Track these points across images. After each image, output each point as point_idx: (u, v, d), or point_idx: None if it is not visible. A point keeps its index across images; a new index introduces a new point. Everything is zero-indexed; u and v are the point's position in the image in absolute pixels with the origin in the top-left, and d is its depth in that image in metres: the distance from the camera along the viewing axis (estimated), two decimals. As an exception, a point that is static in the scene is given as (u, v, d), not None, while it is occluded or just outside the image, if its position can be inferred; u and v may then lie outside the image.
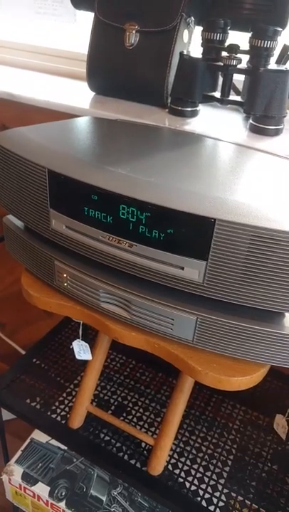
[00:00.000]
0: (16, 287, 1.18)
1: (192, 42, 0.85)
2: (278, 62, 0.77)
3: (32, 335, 1.31)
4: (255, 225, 0.43)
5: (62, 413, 0.81)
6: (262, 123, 0.75)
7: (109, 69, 0.85)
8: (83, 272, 0.57)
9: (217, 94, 0.79)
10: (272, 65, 0.73)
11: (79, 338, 0.72)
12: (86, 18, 0.87)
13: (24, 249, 0.63)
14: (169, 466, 0.73)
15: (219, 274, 0.47)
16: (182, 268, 0.49)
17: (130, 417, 0.82)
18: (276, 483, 0.73)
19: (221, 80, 0.78)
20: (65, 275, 0.59)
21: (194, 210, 0.45)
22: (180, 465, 0.74)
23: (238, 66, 0.74)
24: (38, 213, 0.57)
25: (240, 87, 0.83)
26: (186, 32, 0.81)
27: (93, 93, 0.90)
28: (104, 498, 0.84)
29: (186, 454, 0.76)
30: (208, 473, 0.73)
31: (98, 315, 0.59)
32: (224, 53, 0.74)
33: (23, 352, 1.35)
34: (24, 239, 0.62)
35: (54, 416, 0.80)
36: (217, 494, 0.70)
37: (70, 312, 0.62)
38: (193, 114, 0.81)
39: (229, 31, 0.75)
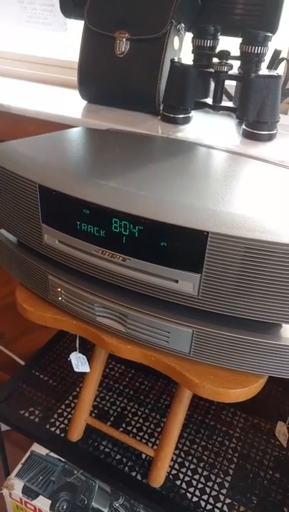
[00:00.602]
0: (12, 297, 1.18)
1: (183, 49, 0.85)
2: (269, 67, 0.76)
3: (30, 344, 1.30)
4: (248, 237, 0.43)
5: (62, 426, 0.80)
6: (255, 128, 0.75)
7: (101, 77, 0.84)
8: (77, 286, 0.56)
9: (209, 100, 0.79)
10: (263, 70, 0.73)
11: (76, 350, 0.71)
12: (79, 27, 0.86)
13: (17, 263, 0.62)
14: (170, 477, 0.73)
15: (214, 287, 0.46)
16: (176, 281, 0.48)
17: (130, 427, 0.81)
18: (278, 491, 0.72)
19: (212, 86, 0.78)
20: (59, 289, 0.58)
21: (187, 224, 0.44)
22: (181, 476, 0.73)
23: (230, 72, 0.73)
24: (30, 228, 0.56)
25: (232, 91, 0.83)
26: (176, 39, 0.81)
27: (85, 102, 0.90)
28: (106, 510, 0.83)
29: (187, 465, 0.75)
30: (210, 484, 0.72)
31: (94, 329, 0.59)
32: (215, 59, 0.74)
33: (22, 362, 1.34)
34: (17, 253, 0.61)
35: (53, 429, 0.80)
36: (219, 505, 0.69)
37: (65, 326, 0.62)
38: (186, 121, 0.81)
39: (220, 37, 0.75)
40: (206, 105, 0.79)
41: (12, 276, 0.65)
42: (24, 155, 0.57)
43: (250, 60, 0.71)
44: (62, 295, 0.58)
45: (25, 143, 0.61)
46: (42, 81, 1.06)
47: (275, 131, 0.76)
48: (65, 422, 0.81)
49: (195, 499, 0.70)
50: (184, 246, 0.46)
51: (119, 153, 0.62)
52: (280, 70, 0.76)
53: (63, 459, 0.90)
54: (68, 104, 0.89)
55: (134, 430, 0.81)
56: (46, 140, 0.64)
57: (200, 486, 0.72)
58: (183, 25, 0.80)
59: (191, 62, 0.76)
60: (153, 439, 0.79)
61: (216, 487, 0.72)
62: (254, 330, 0.49)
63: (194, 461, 0.76)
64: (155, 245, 0.47)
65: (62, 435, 0.79)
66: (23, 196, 0.54)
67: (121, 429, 0.81)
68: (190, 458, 0.77)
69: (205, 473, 0.74)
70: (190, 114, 0.81)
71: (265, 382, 0.55)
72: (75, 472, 0.89)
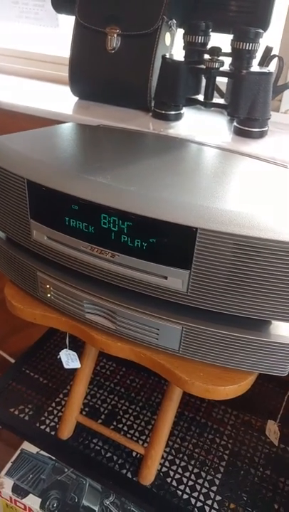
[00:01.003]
0: (1, 295, 1.17)
1: (175, 45, 0.84)
2: (261, 64, 0.76)
3: (20, 342, 1.29)
4: (237, 233, 0.42)
5: (52, 424, 0.80)
6: (246, 125, 0.75)
7: (92, 73, 0.84)
8: (66, 282, 0.56)
9: (201, 97, 0.78)
10: (254, 67, 0.72)
11: (66, 347, 0.71)
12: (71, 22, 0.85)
13: (6, 260, 0.62)
14: (161, 475, 0.73)
15: (203, 283, 0.46)
16: (165, 278, 0.48)
17: (121, 425, 0.81)
18: (269, 488, 0.72)
19: (204, 82, 0.77)
20: (48, 286, 0.58)
21: (176, 220, 0.44)
22: (171, 473, 0.73)
23: (221, 69, 0.73)
24: (19, 224, 0.55)
25: (224, 88, 0.82)
26: (168, 35, 0.81)
27: (76, 98, 0.89)
28: (96, 508, 0.82)
29: (177, 462, 0.75)
30: (200, 481, 0.72)
31: (83, 326, 0.58)
32: (206, 56, 0.74)
33: (12, 360, 1.33)
34: (6, 250, 0.61)
35: (43, 427, 0.79)
36: (209, 502, 0.69)
37: (54, 323, 0.61)
38: (177, 117, 0.81)
39: (211, 33, 0.75)
40: (197, 102, 0.78)
41: (1, 274, 0.65)
42: (13, 150, 0.56)
43: (241, 56, 0.71)
44: (51, 292, 0.58)
45: (14, 138, 0.61)
46: (33, 77, 1.05)
47: (266, 129, 0.75)
48: (56, 420, 0.81)
49: (185, 496, 0.70)
50: (172, 242, 0.45)
51: (109, 149, 0.62)
52: (272, 67, 0.76)
53: (53, 458, 0.89)
54: (59, 100, 0.89)
55: (125, 428, 0.81)
56: (36, 135, 0.64)
57: (190, 483, 0.72)
58: (174, 21, 0.80)
59: (183, 59, 0.76)
60: (144, 437, 0.79)
61: (206, 484, 0.72)
62: (243, 327, 0.49)
63: (185, 458, 0.76)
64: (144, 241, 0.47)
65: (53, 433, 0.78)
66: (11, 192, 0.54)
67: (112, 426, 0.80)
68: (181, 455, 0.76)
69: (195, 470, 0.74)
70: (181, 111, 0.81)
71: (256, 379, 0.55)
72: (66, 470, 0.88)
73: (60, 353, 0.70)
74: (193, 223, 0.43)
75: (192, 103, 0.79)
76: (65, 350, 0.71)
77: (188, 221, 0.44)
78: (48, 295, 0.58)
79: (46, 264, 0.57)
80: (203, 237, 0.43)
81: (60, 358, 0.70)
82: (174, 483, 0.72)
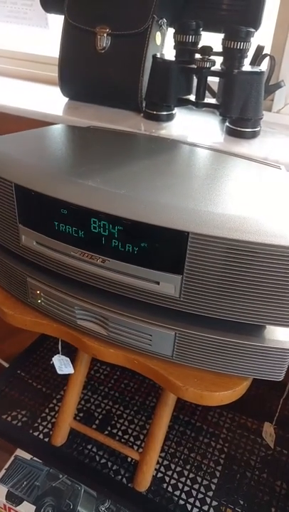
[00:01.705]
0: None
1: (166, 44, 0.83)
2: (252, 63, 0.75)
3: (14, 347, 1.28)
4: (229, 237, 0.41)
5: (45, 430, 0.79)
6: (238, 125, 0.74)
7: (82, 73, 0.83)
8: (57, 288, 0.54)
9: (192, 97, 0.77)
10: (246, 66, 0.72)
11: (59, 353, 0.70)
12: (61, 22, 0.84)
13: (-5, 265, 0.60)
14: (156, 481, 0.72)
15: (196, 288, 0.45)
16: (157, 283, 0.47)
17: (115, 430, 0.80)
18: (265, 491, 0.72)
19: (195, 82, 0.76)
20: (38, 292, 0.56)
21: (167, 224, 0.43)
22: (167, 479, 0.72)
23: (212, 68, 0.72)
24: (7, 229, 0.54)
25: (216, 88, 0.82)
26: (158, 34, 0.79)
27: (66, 99, 0.88)
28: (91, 515, 0.81)
29: (173, 467, 0.74)
30: (196, 486, 0.71)
31: (75, 332, 0.57)
32: (198, 55, 0.73)
33: (6, 364, 1.31)
34: (-5, 255, 0.59)
35: (36, 433, 0.78)
36: (206, 508, 0.68)
37: (46, 329, 0.60)
38: (169, 118, 0.80)
39: (202, 33, 0.74)
40: (189, 102, 0.77)
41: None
42: (0, 153, 0.55)
43: (232, 56, 0.70)
44: (42, 298, 0.57)
45: (2, 140, 0.59)
46: (22, 77, 1.04)
47: (258, 129, 0.75)
48: (49, 426, 0.80)
49: (181, 502, 0.69)
50: (164, 247, 0.45)
51: (99, 152, 0.60)
52: (263, 66, 0.75)
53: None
54: (49, 100, 0.87)
55: (120, 433, 0.80)
56: (24, 137, 0.62)
57: (186, 488, 0.71)
58: (165, 20, 0.79)
59: (174, 58, 0.75)
60: (138, 442, 0.78)
61: (202, 489, 0.71)
62: (237, 332, 0.48)
63: (180, 463, 0.75)
64: (135, 246, 0.46)
65: (46, 440, 0.77)
66: (-1, 196, 0.52)
67: (106, 432, 0.79)
68: (176, 460, 0.76)
69: (191, 475, 0.73)
70: (173, 111, 0.80)
71: (250, 383, 0.54)
72: (60, 476, 0.87)
73: (53, 359, 0.69)
74: (185, 227, 0.43)
75: (184, 103, 0.78)
76: (57, 355, 0.70)
77: (180, 225, 0.43)
78: (39, 301, 0.57)
79: (36, 269, 0.56)
80: (195, 241, 0.42)
81: (53, 364, 0.69)
82: (170, 488, 0.71)
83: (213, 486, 0.72)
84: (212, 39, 0.74)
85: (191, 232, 0.42)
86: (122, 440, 0.78)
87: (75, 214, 0.47)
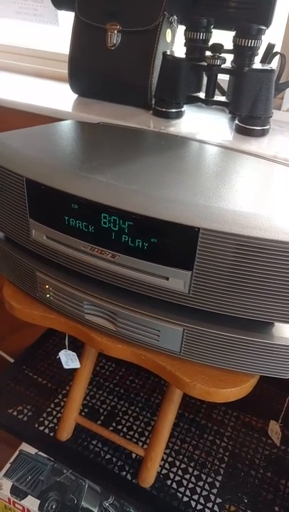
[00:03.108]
0: (0, 294, 1.16)
1: (176, 41, 0.83)
2: (263, 61, 0.75)
3: (19, 342, 1.28)
4: (240, 233, 0.41)
5: (51, 425, 0.79)
6: (248, 124, 0.74)
7: (92, 70, 0.83)
8: (66, 283, 0.55)
9: (202, 94, 0.77)
10: (256, 64, 0.71)
11: (66, 348, 0.70)
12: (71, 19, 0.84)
13: (4, 259, 0.61)
14: (161, 477, 0.72)
15: (205, 284, 0.45)
16: (167, 278, 0.47)
17: (120, 426, 0.80)
18: (269, 490, 0.72)
19: (205, 80, 0.76)
20: (47, 286, 0.57)
21: (178, 219, 0.43)
22: (171, 475, 0.72)
23: (223, 66, 0.72)
24: (18, 223, 0.54)
25: (225, 86, 0.81)
26: (168, 31, 0.79)
27: (76, 95, 0.88)
28: (95, 510, 0.82)
29: (177, 464, 0.74)
30: (201, 483, 0.72)
31: (83, 327, 0.57)
32: (208, 53, 0.73)
33: (11, 359, 1.32)
34: (4, 249, 0.60)
35: (42, 428, 0.78)
36: (210, 505, 0.68)
37: (54, 324, 0.60)
38: (178, 115, 0.79)
39: (213, 30, 0.74)
40: (198, 99, 0.77)
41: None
42: (11, 148, 0.55)
43: (243, 53, 0.70)
44: (51, 292, 0.57)
45: (13, 136, 0.60)
46: (32, 74, 1.04)
47: (268, 127, 0.75)
48: (54, 421, 0.80)
49: (186, 499, 0.69)
50: (174, 242, 0.45)
51: (109, 147, 0.61)
52: (274, 64, 0.75)
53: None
54: (58, 97, 0.87)
55: (125, 429, 0.80)
56: (35, 133, 0.63)
57: (190, 485, 0.71)
58: (175, 17, 0.79)
59: (184, 56, 0.75)
60: (143, 438, 0.78)
61: (206, 486, 0.71)
62: (246, 328, 0.48)
63: (185, 460, 0.75)
64: (145, 241, 0.46)
65: (52, 434, 0.77)
66: (9, 190, 0.53)
67: (111, 428, 0.80)
68: (181, 457, 0.76)
69: (196, 472, 0.73)
70: (182, 109, 0.80)
71: (257, 380, 0.54)
72: (65, 471, 0.87)
73: (60, 354, 0.70)
74: (196, 223, 0.43)
75: (193, 101, 0.78)
76: (64, 350, 0.70)
77: (191, 221, 0.43)
78: (47, 295, 0.57)
79: (45, 264, 0.56)
80: (205, 237, 0.42)
81: (59, 358, 0.69)
82: (174, 485, 0.71)
83: (217, 484, 0.72)
84: (222, 37, 0.74)
85: (202, 228, 0.42)
86: (127, 436, 0.78)
87: (86, 209, 0.48)
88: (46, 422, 0.80)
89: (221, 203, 0.45)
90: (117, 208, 0.46)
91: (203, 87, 0.77)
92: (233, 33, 0.70)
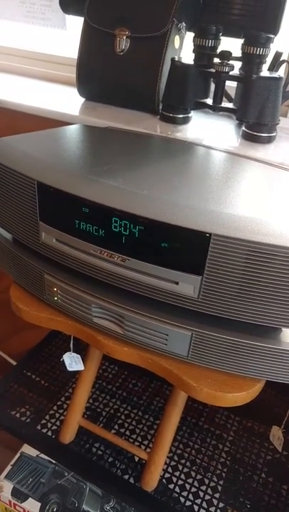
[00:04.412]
0: (4, 295, 1.16)
1: (184, 48, 0.84)
2: (271, 69, 0.76)
3: (21, 344, 1.28)
4: (251, 239, 0.42)
5: (53, 427, 0.79)
6: (255, 130, 0.74)
7: (100, 75, 0.83)
8: (74, 286, 0.55)
9: (209, 100, 0.78)
10: (264, 71, 0.72)
11: (70, 350, 0.70)
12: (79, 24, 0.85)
13: (13, 261, 0.61)
14: (163, 481, 0.72)
15: (215, 290, 0.46)
16: (177, 283, 0.47)
17: (123, 430, 0.80)
18: (271, 495, 0.72)
19: (213, 86, 0.77)
20: (55, 289, 0.57)
21: (189, 225, 0.44)
22: (174, 479, 0.73)
23: (231, 73, 0.73)
24: (27, 226, 0.55)
25: (232, 93, 0.82)
26: (177, 38, 0.80)
27: (83, 99, 0.89)
28: (96, 513, 0.82)
29: (180, 468, 0.75)
30: (203, 488, 0.72)
31: (90, 330, 0.58)
32: (216, 60, 0.73)
33: (13, 362, 1.32)
34: (13, 251, 0.60)
35: (44, 430, 0.78)
36: (212, 509, 0.69)
37: (60, 326, 0.60)
38: (185, 121, 0.80)
39: (221, 37, 0.74)
40: (205, 106, 0.78)
41: (3, 275, 0.64)
42: (22, 151, 0.55)
43: (251, 61, 0.71)
44: (59, 295, 0.57)
45: (22, 139, 0.60)
46: (39, 77, 1.04)
47: (274, 134, 0.75)
48: (57, 423, 0.80)
49: (188, 503, 0.69)
50: (185, 247, 0.45)
51: (119, 152, 0.61)
52: (281, 72, 0.76)
53: (54, 461, 0.89)
54: (66, 101, 0.88)
55: (127, 432, 0.80)
56: (44, 137, 0.63)
57: (193, 489, 0.71)
58: (184, 24, 0.80)
59: (192, 62, 0.75)
60: (146, 442, 0.78)
61: (209, 491, 0.71)
62: (254, 333, 0.49)
63: (187, 464, 0.75)
64: (156, 246, 0.46)
65: (54, 437, 0.77)
66: (20, 193, 0.53)
67: (114, 431, 0.80)
68: (183, 461, 0.76)
69: (198, 476, 0.74)
70: (189, 114, 0.81)
71: (263, 385, 0.55)
72: (66, 474, 0.87)
73: (64, 356, 0.70)
74: (207, 228, 0.43)
75: (200, 107, 0.79)
76: (68, 353, 0.70)
77: (202, 226, 0.43)
78: (55, 298, 0.58)
79: (54, 266, 0.56)
80: (216, 242, 0.43)
81: (63, 361, 0.69)
82: (177, 489, 0.71)
83: (220, 488, 0.72)
84: (228, 44, 0.75)
85: (214, 234, 0.43)
86: (130, 440, 0.78)
87: (97, 213, 0.48)
88: (49, 425, 0.80)
89: (232, 209, 0.45)
90: (129, 213, 0.46)
91: (211, 94, 0.78)
92: (241, 41, 0.71)
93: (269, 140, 0.75)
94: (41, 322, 0.61)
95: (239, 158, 0.66)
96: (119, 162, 0.56)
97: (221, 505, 0.70)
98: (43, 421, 0.80)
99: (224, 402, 0.52)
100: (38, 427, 0.79)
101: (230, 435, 0.81)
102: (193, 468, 0.75)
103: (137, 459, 0.75)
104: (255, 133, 0.74)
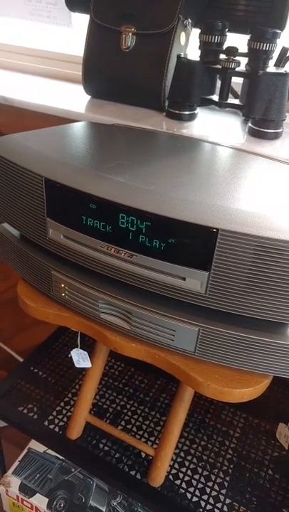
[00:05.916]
0: (11, 292, 1.17)
1: (189, 44, 0.84)
2: (277, 64, 0.76)
3: (28, 341, 1.29)
4: (259, 235, 0.42)
5: (61, 423, 0.80)
6: (261, 126, 0.74)
7: (106, 72, 0.83)
8: (82, 282, 0.55)
9: (215, 97, 0.78)
10: (271, 67, 0.72)
11: (77, 346, 0.71)
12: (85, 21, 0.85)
13: (20, 258, 0.61)
14: (170, 477, 0.72)
15: (222, 285, 0.46)
16: (184, 279, 0.47)
17: (130, 426, 0.81)
18: (278, 492, 0.72)
19: (219, 83, 0.77)
20: (62, 285, 0.57)
21: (196, 220, 0.44)
22: (181, 475, 0.73)
23: (237, 69, 0.73)
24: (35, 222, 0.55)
25: (238, 90, 0.82)
26: (183, 34, 0.80)
27: (89, 96, 0.89)
28: (103, 509, 0.82)
29: (186, 464, 0.75)
30: (210, 484, 0.72)
31: (97, 326, 0.58)
32: (222, 56, 0.73)
33: (20, 358, 1.33)
34: (20, 248, 0.60)
35: (52, 426, 0.79)
36: (219, 505, 0.69)
37: (68, 323, 0.61)
38: (191, 117, 0.80)
39: (227, 33, 0.74)
40: (212, 102, 0.78)
41: (10, 271, 0.65)
42: (29, 148, 0.56)
43: (258, 57, 0.70)
44: (66, 291, 0.57)
45: (29, 136, 0.60)
46: (46, 75, 1.05)
47: (281, 130, 0.75)
48: (64, 419, 0.81)
49: (195, 499, 0.69)
50: (192, 243, 0.45)
51: (125, 148, 0.61)
52: (288, 68, 0.75)
53: (61, 457, 0.89)
54: (72, 98, 0.88)
55: (134, 429, 0.80)
56: (51, 134, 0.63)
57: (200, 485, 0.71)
58: (190, 20, 0.79)
59: (198, 59, 0.75)
60: (152, 438, 0.79)
61: (216, 487, 0.72)
62: (261, 329, 0.49)
63: (194, 460, 0.76)
64: (163, 241, 0.46)
65: (61, 433, 0.78)
66: (27, 190, 0.53)
67: (120, 427, 0.80)
68: (190, 457, 0.76)
69: (205, 473, 0.74)
70: (196, 111, 0.80)
71: (271, 381, 0.55)
72: (73, 470, 0.88)
73: (72, 352, 0.70)
74: (215, 224, 0.43)
75: (206, 103, 0.79)
76: (76, 349, 0.70)
77: (209, 222, 0.43)
78: (63, 294, 0.58)
79: (61, 263, 0.57)
80: (224, 238, 0.43)
81: (71, 357, 0.70)
82: (184, 485, 0.71)
83: (226, 484, 0.72)
84: (235, 39, 0.75)
85: (221, 229, 0.43)
86: (137, 436, 0.79)
87: (104, 209, 0.48)
88: (56, 421, 0.80)
89: (239, 205, 0.45)
90: (136, 209, 0.46)
91: (217, 90, 0.78)
92: (247, 37, 0.71)
93: (275, 136, 0.75)
94: (48, 318, 0.62)
95: (246, 154, 0.66)
96: (125, 159, 0.56)
97: (227, 501, 0.70)
98: (50, 417, 0.81)
99: (231, 397, 0.52)
100: (46, 423, 0.79)
101: (236, 432, 0.81)
102: (200, 464, 0.75)
103: (143, 454, 0.75)
104: (261, 129, 0.74)
